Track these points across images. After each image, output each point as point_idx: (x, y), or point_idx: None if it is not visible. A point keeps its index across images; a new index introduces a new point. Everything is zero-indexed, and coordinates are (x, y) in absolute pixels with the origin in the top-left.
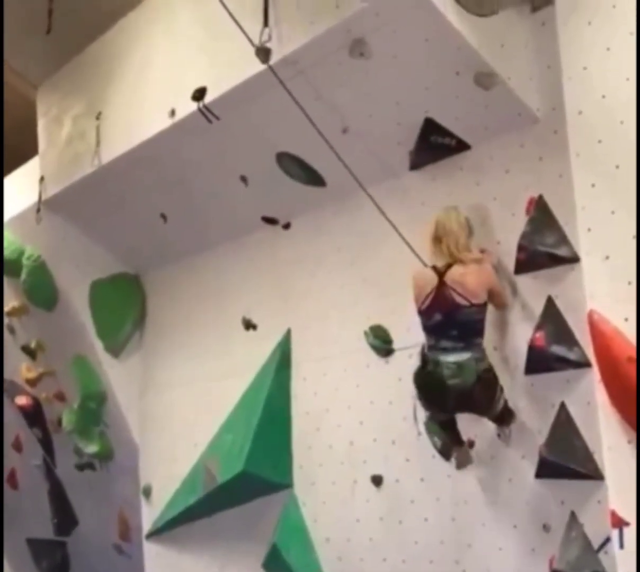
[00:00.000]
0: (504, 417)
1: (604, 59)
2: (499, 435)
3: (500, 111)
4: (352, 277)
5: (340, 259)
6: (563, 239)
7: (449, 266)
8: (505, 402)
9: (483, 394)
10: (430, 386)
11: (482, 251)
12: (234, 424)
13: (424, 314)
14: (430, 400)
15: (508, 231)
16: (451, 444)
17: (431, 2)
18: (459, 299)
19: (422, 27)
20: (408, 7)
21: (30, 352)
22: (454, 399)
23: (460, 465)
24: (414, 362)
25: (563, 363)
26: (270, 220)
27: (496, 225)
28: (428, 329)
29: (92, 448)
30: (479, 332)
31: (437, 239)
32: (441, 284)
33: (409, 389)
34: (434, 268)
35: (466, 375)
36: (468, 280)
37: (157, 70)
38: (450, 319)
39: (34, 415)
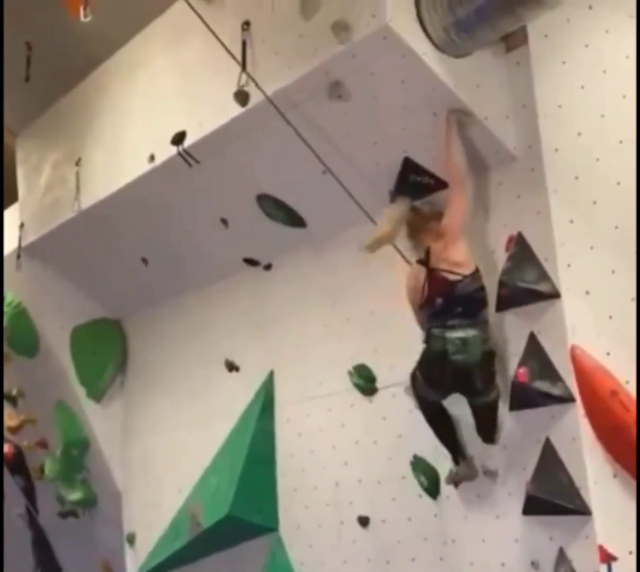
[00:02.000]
0: (485, 422)
1: (578, 97)
2: (485, 472)
3: (478, 150)
4: (335, 317)
5: (322, 299)
6: (543, 275)
7: (428, 251)
8: (497, 403)
9: (482, 375)
10: (433, 362)
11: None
12: (218, 468)
13: (426, 304)
14: (430, 376)
15: (489, 268)
16: (453, 456)
17: (407, 44)
18: (451, 277)
19: (399, 68)
20: (385, 49)
21: (11, 400)
22: (453, 375)
23: (464, 479)
24: (398, 401)
25: (547, 398)
26: (251, 262)
27: (477, 262)
28: (434, 315)
29: (75, 495)
30: (483, 303)
31: (412, 233)
32: (430, 271)
33: (394, 427)
34: (418, 261)
35: (470, 351)
36: (449, 253)
37: (136, 116)
38: (451, 298)
39: (16, 463)
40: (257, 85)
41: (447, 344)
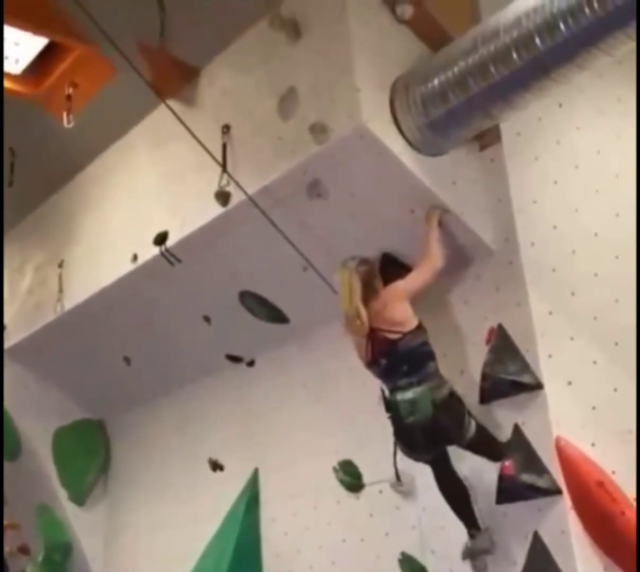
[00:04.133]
0: (487, 447)
1: (552, 192)
2: (474, 567)
3: (456, 244)
4: (319, 413)
5: (305, 395)
6: (525, 367)
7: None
8: (479, 426)
9: (447, 421)
10: (398, 428)
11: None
12: (203, 570)
13: (372, 365)
14: (404, 442)
15: (470, 361)
16: (467, 527)
17: (383, 144)
18: (390, 336)
19: (376, 167)
20: (361, 149)
21: None
22: (420, 435)
23: (482, 552)
24: (385, 497)
25: (534, 491)
26: (234, 359)
27: (458, 355)
28: (382, 375)
29: None
30: (428, 357)
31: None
32: (371, 331)
33: (381, 525)
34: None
35: (421, 409)
36: (389, 312)
37: (119, 217)
38: (394, 357)
39: None
40: (238, 185)
41: (399, 407)
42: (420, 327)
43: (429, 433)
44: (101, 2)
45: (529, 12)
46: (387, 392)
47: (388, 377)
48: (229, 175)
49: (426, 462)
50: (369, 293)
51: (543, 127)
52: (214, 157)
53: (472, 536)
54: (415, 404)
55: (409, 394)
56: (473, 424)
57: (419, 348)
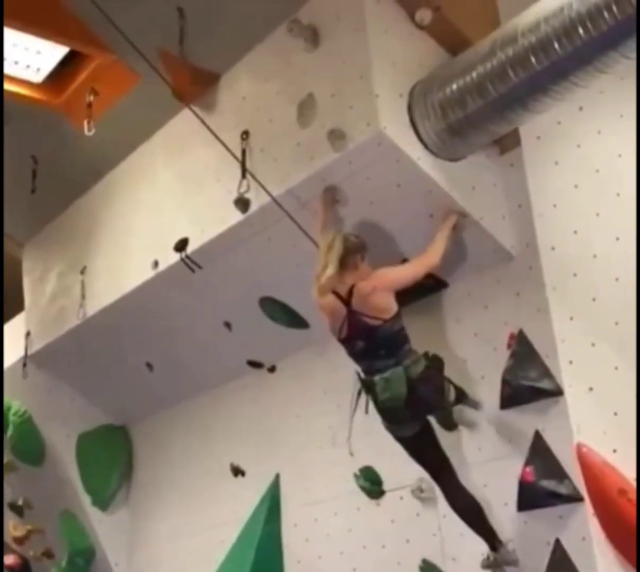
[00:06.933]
0: (459, 398)
1: (572, 196)
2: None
3: (476, 250)
4: (339, 418)
5: (326, 400)
6: (546, 372)
7: (350, 291)
8: (455, 384)
9: (427, 391)
10: (378, 406)
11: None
12: None
13: (346, 343)
14: (385, 419)
15: (491, 366)
16: (488, 541)
17: (402, 150)
18: (372, 322)
19: (394, 173)
20: (379, 155)
21: (17, 510)
22: (402, 411)
23: (507, 564)
24: (406, 504)
25: (555, 498)
26: (255, 364)
27: (479, 360)
28: (355, 356)
29: None
30: (404, 340)
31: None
32: (350, 313)
33: (402, 531)
34: (337, 295)
35: (395, 387)
36: (375, 299)
37: (139, 224)
38: (372, 342)
39: None
40: (261, 185)
41: (375, 386)
42: (399, 314)
43: (410, 405)
44: (122, 10)
45: (548, 16)
46: (362, 374)
47: (364, 359)
48: (253, 176)
49: (411, 436)
50: (347, 263)
51: (563, 131)
52: (235, 156)
53: (494, 548)
54: (389, 382)
55: (386, 374)
56: (452, 389)
57: (397, 334)
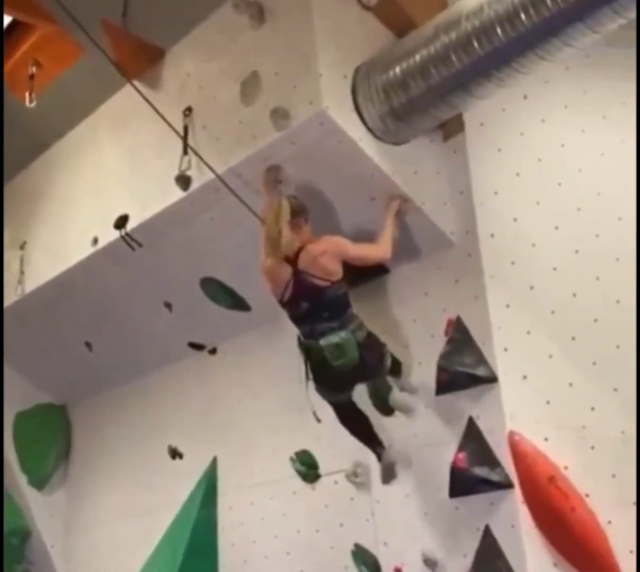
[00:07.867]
0: (396, 368)
1: (513, 184)
2: (425, 561)
3: (416, 235)
4: (279, 402)
5: (266, 383)
6: (481, 359)
7: (297, 252)
8: (391, 354)
9: (371, 359)
10: (319, 370)
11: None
12: (159, 559)
13: (289, 305)
14: (325, 383)
15: (428, 352)
16: (373, 450)
17: (344, 131)
18: (319, 283)
19: (337, 155)
20: (322, 136)
21: None
22: (347, 376)
23: (390, 468)
24: (340, 488)
25: (486, 485)
26: (196, 346)
27: (417, 346)
28: (298, 318)
29: None
30: (347, 304)
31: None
32: (296, 273)
33: (336, 515)
34: (286, 258)
35: (348, 352)
36: (326, 262)
37: (81, 199)
38: (317, 303)
39: None
40: (204, 161)
41: (324, 352)
42: (344, 279)
43: (355, 373)
44: None
45: (492, 1)
46: (302, 338)
47: (306, 321)
48: (195, 152)
49: (342, 400)
50: (292, 224)
51: (507, 118)
52: (178, 133)
53: (379, 455)
54: (342, 348)
55: (334, 339)
56: (389, 354)
57: (341, 297)
